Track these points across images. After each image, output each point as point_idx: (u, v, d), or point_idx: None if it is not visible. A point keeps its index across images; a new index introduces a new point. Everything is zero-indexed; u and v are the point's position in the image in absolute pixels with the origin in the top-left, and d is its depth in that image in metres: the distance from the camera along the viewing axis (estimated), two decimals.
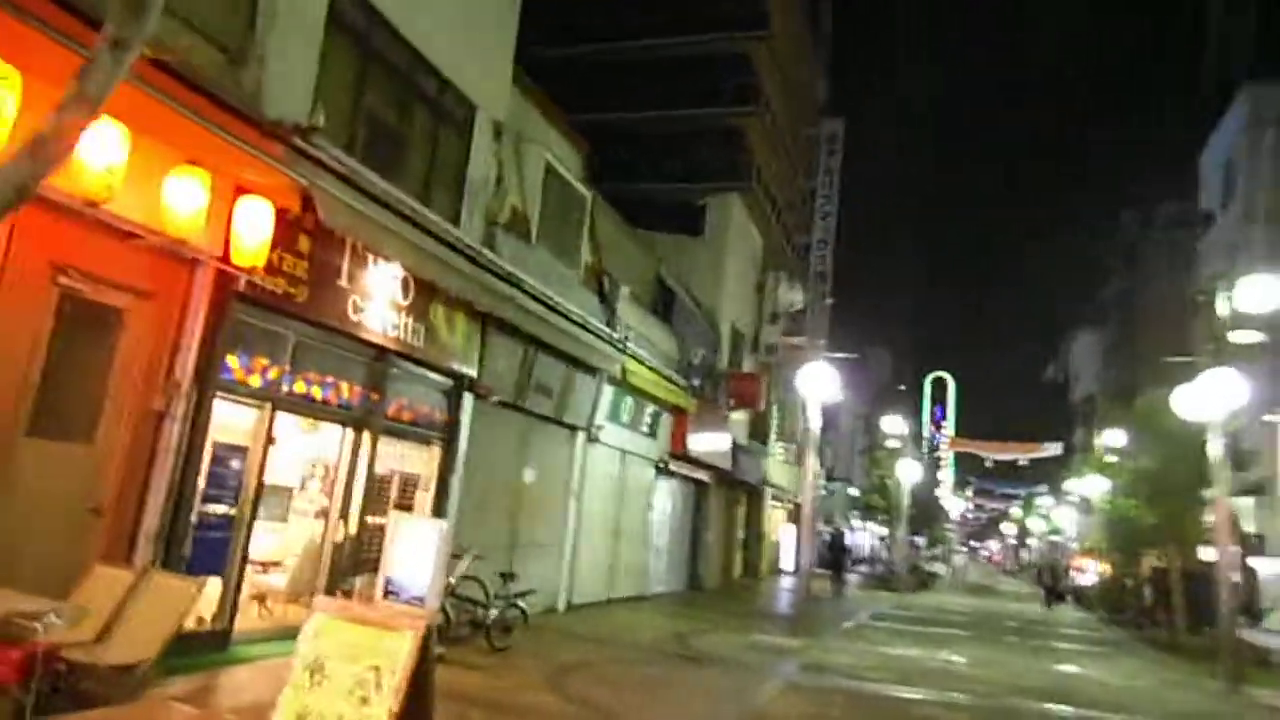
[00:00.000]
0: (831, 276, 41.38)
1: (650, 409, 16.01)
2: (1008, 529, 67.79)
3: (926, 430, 49.91)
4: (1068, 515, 45.05)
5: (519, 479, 11.71)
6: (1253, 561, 26.10)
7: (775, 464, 29.56)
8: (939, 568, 45.51)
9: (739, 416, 23.09)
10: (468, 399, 10.08)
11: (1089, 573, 36.38)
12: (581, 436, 13.38)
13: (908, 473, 27.52)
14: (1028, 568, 64.33)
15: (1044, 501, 57.21)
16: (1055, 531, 53.33)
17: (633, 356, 14.07)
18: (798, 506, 35.02)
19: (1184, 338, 39.47)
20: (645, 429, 16.05)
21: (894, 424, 32.44)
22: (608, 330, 13.12)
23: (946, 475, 51.09)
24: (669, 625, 13.14)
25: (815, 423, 13.92)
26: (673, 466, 17.52)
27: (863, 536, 50.65)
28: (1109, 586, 25.24)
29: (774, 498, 29.75)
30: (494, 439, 10.99)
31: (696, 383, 17.54)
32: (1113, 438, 27.04)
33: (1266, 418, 18.14)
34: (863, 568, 34.61)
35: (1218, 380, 11.91)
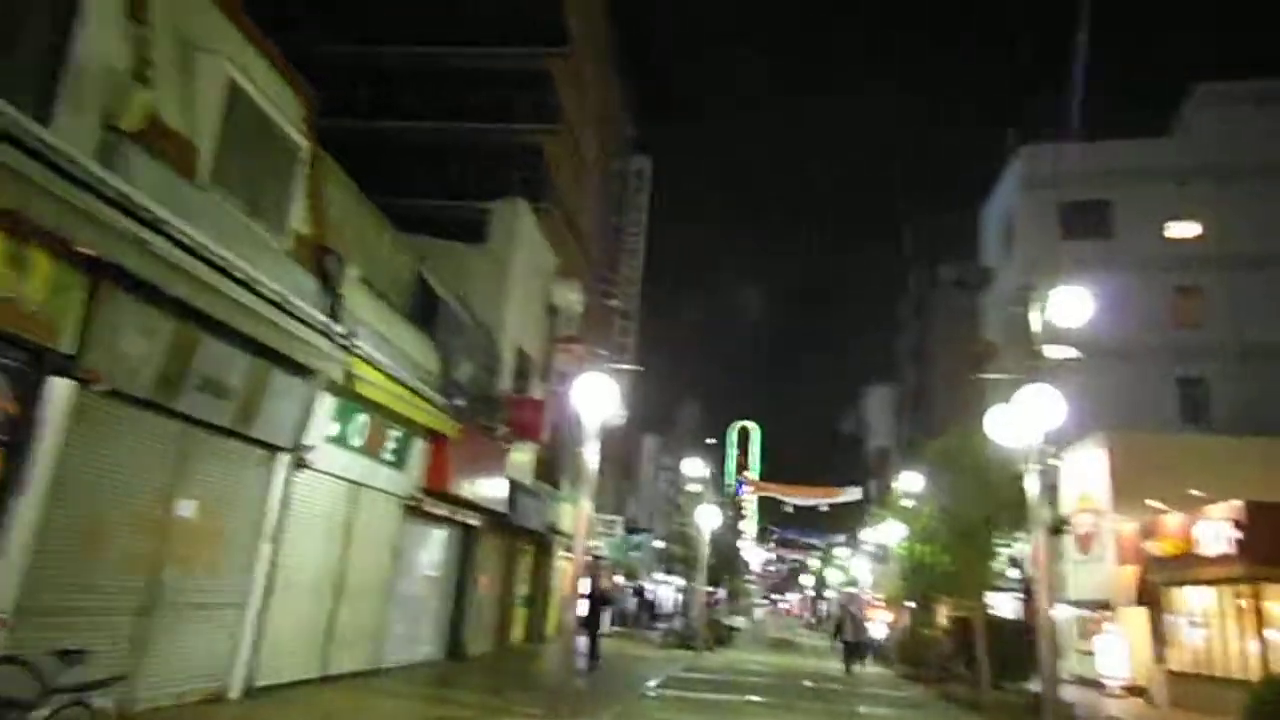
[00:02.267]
0: (638, 315, 39.95)
1: (396, 432, 12.93)
2: (807, 580, 68.52)
3: (731, 478, 49.15)
4: (864, 565, 45.34)
5: (168, 512, 8.31)
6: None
7: (568, 510, 26.88)
8: (739, 621, 44.30)
9: (523, 456, 20.32)
10: (57, 386, 6.73)
11: (881, 624, 36.18)
12: (285, 460, 10.12)
13: (708, 518, 25.72)
14: (826, 620, 65.01)
15: (842, 552, 58.02)
16: (852, 583, 53.94)
17: (364, 359, 11.04)
18: (596, 559, 32.48)
19: (970, 391, 40.88)
20: (389, 457, 12.93)
21: (694, 466, 30.74)
22: (324, 320, 10.05)
23: (750, 525, 50.44)
24: (389, 713, 9.97)
25: (593, 446, 11.43)
26: (429, 506, 14.41)
27: (666, 591, 48.81)
28: (906, 639, 24.35)
29: (566, 549, 26.98)
30: (119, 452, 7.62)
31: (460, 403, 14.63)
32: (909, 480, 26.56)
33: (1051, 461, 17.63)
34: (660, 624, 32.41)
35: (1035, 396, 10.55)
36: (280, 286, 9.10)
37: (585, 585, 12.90)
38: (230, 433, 9.07)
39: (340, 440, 11.39)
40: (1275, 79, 29.59)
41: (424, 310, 14.78)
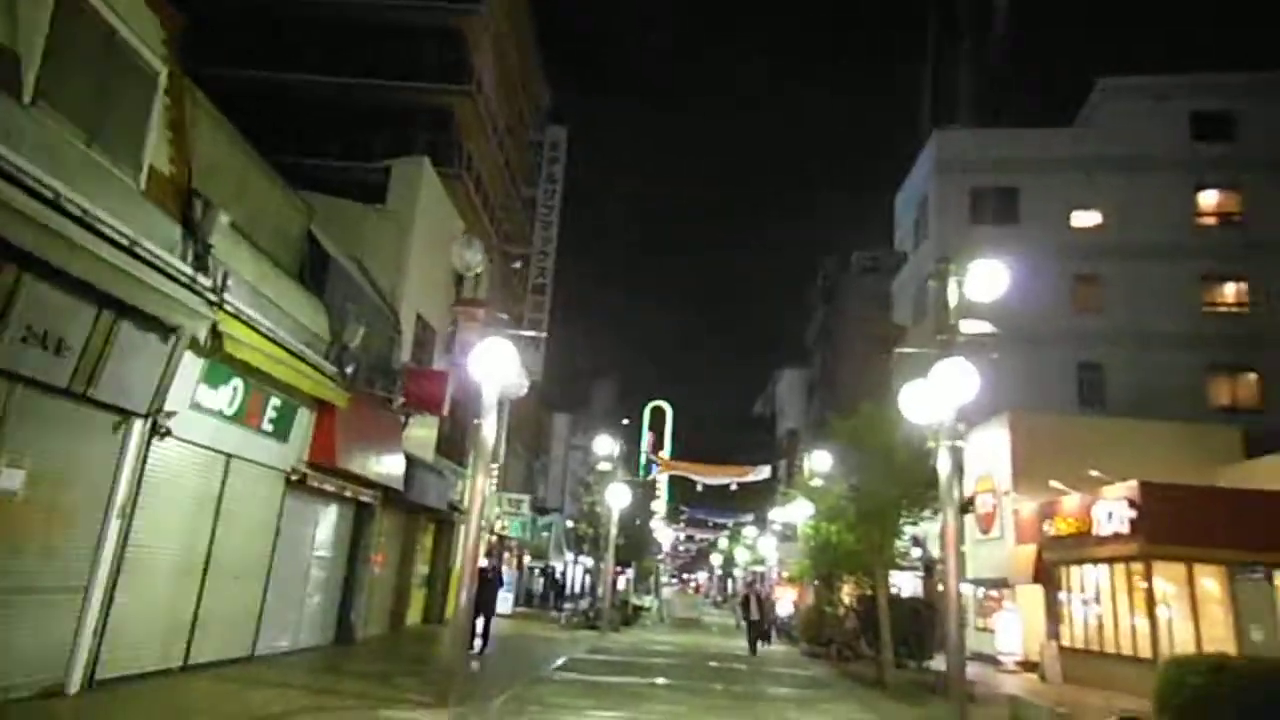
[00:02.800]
0: (551, 291, 39.03)
1: (277, 400, 11.85)
2: (716, 559, 69.05)
3: (644, 458, 48.83)
4: (770, 544, 45.74)
5: None
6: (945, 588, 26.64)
7: None
8: (648, 600, 44.13)
9: (424, 431, 19.33)
10: None
11: (787, 602, 36.46)
12: (139, 427, 9.01)
13: (617, 497, 25.19)
14: (732, 598, 65.66)
15: (750, 531, 58.53)
16: (759, 561, 54.48)
17: (236, 317, 9.96)
18: (501, 538, 31.63)
19: (878, 374, 41.46)
20: (268, 427, 11.84)
21: (604, 444, 30.15)
22: (187, 270, 8.95)
23: (660, 505, 50.27)
24: (255, 704, 9.04)
25: (491, 417, 10.64)
26: (315, 481, 13.36)
27: (576, 571, 48.25)
28: (811, 617, 24.39)
29: None
30: None
31: (351, 371, 13.60)
32: (819, 460, 26.58)
33: (959, 439, 17.67)
34: (566, 605, 31.83)
35: (949, 370, 10.26)
36: (129, 229, 7.99)
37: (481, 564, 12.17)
38: (69, 394, 7.94)
39: (209, 407, 10.29)
40: (1175, 74, 30.61)
41: (314, 271, 13.66)
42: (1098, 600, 19.49)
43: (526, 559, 38.65)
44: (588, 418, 50.10)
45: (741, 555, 58.37)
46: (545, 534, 39.79)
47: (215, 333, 9.52)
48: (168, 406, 9.28)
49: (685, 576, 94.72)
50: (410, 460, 17.39)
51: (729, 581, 76.29)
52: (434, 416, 17.87)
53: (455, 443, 23.41)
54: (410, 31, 27.41)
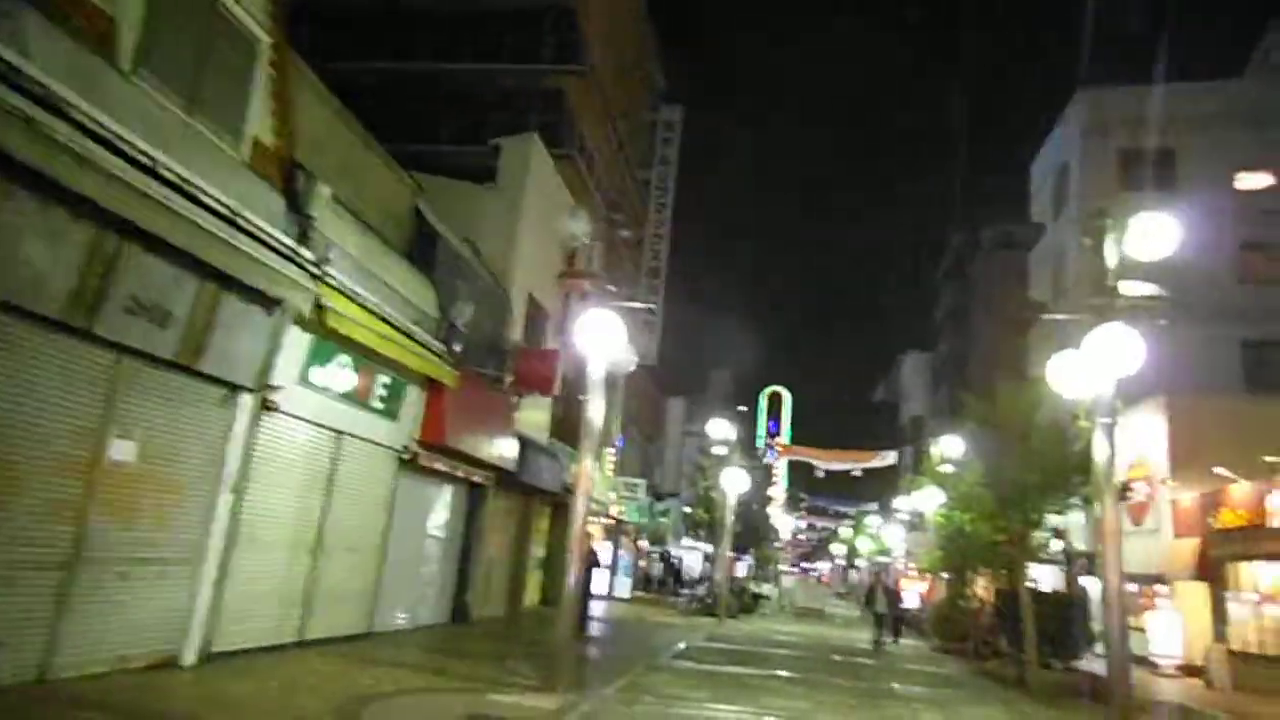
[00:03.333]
0: (666, 273, 38.54)
1: (385, 377, 11.77)
2: (837, 549, 67.22)
3: (761, 443, 47.80)
4: (896, 534, 43.91)
5: (97, 454, 7.21)
6: (1085, 582, 24.63)
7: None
8: (767, 589, 43.19)
9: (538, 415, 19.16)
10: None
11: (914, 595, 34.77)
12: (248, 401, 8.98)
13: (733, 482, 24.47)
14: (856, 590, 63.75)
15: (873, 520, 56.59)
16: (883, 551, 52.55)
17: (339, 290, 9.84)
18: (618, 522, 31.46)
19: (1013, 356, 39.01)
20: (378, 404, 11.78)
21: (720, 428, 29.42)
22: (287, 241, 8.84)
23: (779, 491, 49.14)
24: (364, 683, 8.88)
25: (597, 394, 10.18)
26: (427, 461, 13.28)
27: (694, 557, 47.82)
28: (943, 612, 22.99)
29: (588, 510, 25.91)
30: (28, 381, 6.50)
31: (458, 348, 13.43)
32: (949, 445, 25.04)
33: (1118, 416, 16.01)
34: (684, 590, 31.38)
35: (1107, 338, 9.06)
36: (230, 198, 7.89)
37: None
38: (175, 366, 7.92)
39: (317, 383, 10.24)
40: None
41: (422, 249, 13.55)
42: (1276, 600, 17.40)
43: (643, 544, 38.44)
44: (704, 404, 49.44)
45: (864, 545, 56.50)
46: (663, 519, 39.48)
47: (319, 306, 9.40)
48: (275, 381, 9.22)
49: (805, 566, 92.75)
50: (523, 441, 17.23)
51: (851, 572, 74.24)
52: (545, 397, 17.62)
53: (570, 425, 23.16)
54: (521, 14, 27.32)
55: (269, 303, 8.80)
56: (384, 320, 10.95)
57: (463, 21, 27.52)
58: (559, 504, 22.64)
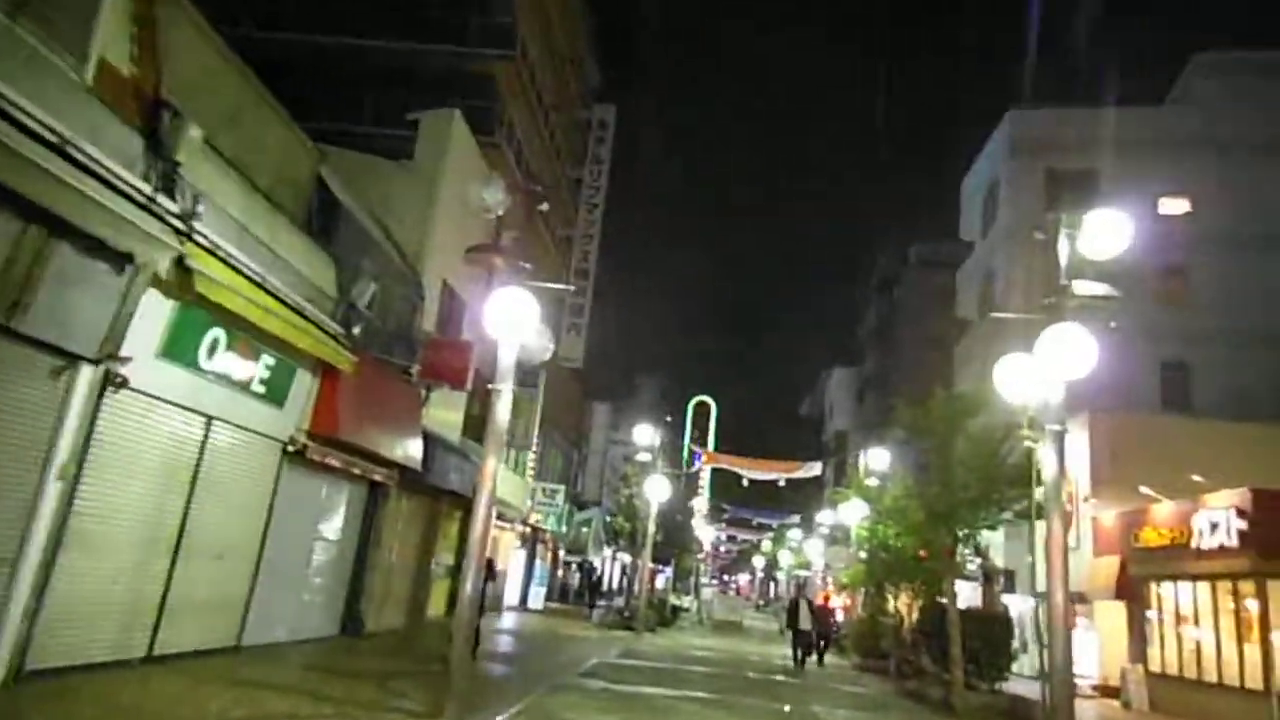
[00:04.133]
0: (594, 275, 37.51)
1: (269, 358, 10.44)
2: (759, 562, 66.97)
3: (686, 450, 47.06)
4: (817, 548, 43.68)
5: None
6: (1009, 599, 24.45)
7: (504, 476, 24.53)
8: (687, 601, 42.40)
9: (449, 413, 17.89)
10: None
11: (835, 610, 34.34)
12: (88, 374, 7.60)
13: (657, 490, 23.56)
14: (774, 603, 63.52)
15: (795, 534, 56.44)
16: (804, 565, 52.36)
17: (209, 250, 8.52)
18: (534, 530, 30.20)
19: (937, 373, 39.18)
20: (259, 389, 10.44)
21: (645, 433, 28.49)
22: (140, 184, 7.52)
23: (702, 502, 48.45)
24: (214, 706, 7.57)
25: (508, 382, 9.09)
26: (316, 454, 11.93)
27: (614, 568, 46.73)
28: (864, 628, 22.46)
29: (500, 516, 24.65)
30: None
31: (356, 330, 12.14)
32: (876, 458, 24.64)
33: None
34: (602, 602, 30.29)
35: (1060, 338, 8.41)
36: (62, 125, 6.57)
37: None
38: None
39: (182, 357, 8.88)
40: (1277, 49, 27.96)
41: (321, 220, 12.24)
42: (1195, 621, 17.29)
43: (561, 553, 37.23)
44: (630, 411, 48.53)
45: (785, 558, 56.31)
46: (584, 529, 38.31)
47: (183, 268, 8.08)
48: (126, 353, 7.86)
49: (725, 578, 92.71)
50: (431, 439, 15.97)
51: (771, 585, 74.16)
52: (457, 391, 16.38)
53: (484, 425, 21.98)
54: None
55: (117, 258, 7.46)
56: (267, 292, 9.64)
57: None
58: (470, 508, 21.33)
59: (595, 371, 41.51)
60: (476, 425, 20.96)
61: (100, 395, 7.79)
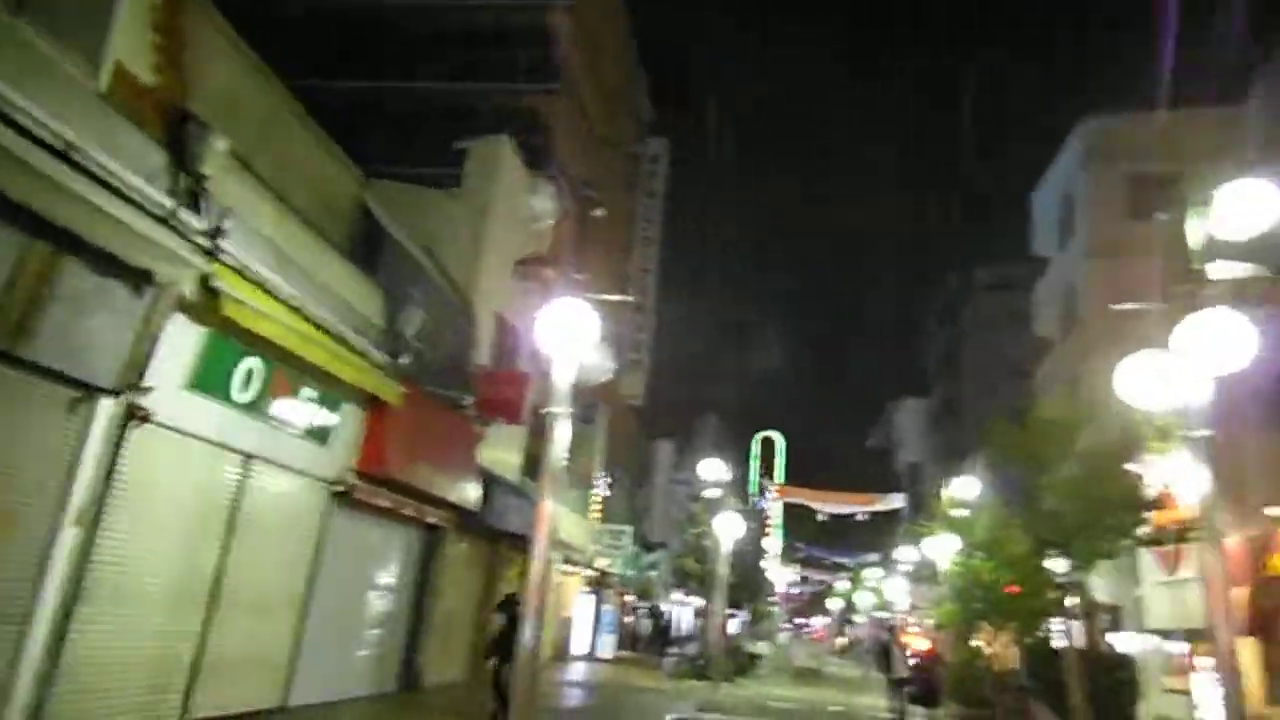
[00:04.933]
0: (653, 310, 36.75)
1: (311, 390, 9.73)
2: (834, 604, 64.43)
3: (754, 488, 45.48)
4: (899, 586, 41.51)
5: None
6: (1114, 638, 22.39)
7: (567, 517, 23.56)
8: (762, 647, 40.54)
9: (506, 454, 17.04)
10: None
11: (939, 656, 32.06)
12: (108, 407, 6.92)
13: (728, 528, 22.31)
14: (854, 647, 60.80)
15: (872, 573, 54.07)
16: (883, 606, 49.95)
17: (238, 271, 7.85)
18: (602, 574, 29.04)
19: (1007, 398, 37.15)
20: (300, 424, 9.72)
21: (713, 468, 27.25)
22: (158, 197, 6.88)
23: (773, 543, 46.68)
24: None
25: (564, 407, 8.16)
26: (365, 495, 11.14)
27: (684, 612, 45.15)
28: (960, 673, 20.67)
29: (565, 560, 23.64)
30: None
31: (404, 360, 11.40)
32: (962, 487, 22.99)
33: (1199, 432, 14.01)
34: (673, 650, 28.86)
35: (1207, 326, 7.15)
36: (69, 131, 5.94)
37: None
38: None
39: (214, 390, 8.19)
40: None
41: (366, 248, 11.64)
42: None
43: (629, 598, 35.92)
44: (692, 450, 47.29)
45: (864, 599, 53.89)
46: (652, 573, 36.99)
47: (209, 290, 7.41)
48: (150, 384, 7.17)
49: (798, 621, 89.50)
50: (489, 478, 15.12)
51: (847, 628, 71.23)
52: (513, 426, 15.52)
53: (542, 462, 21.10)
54: (499, 33, 25.91)
55: (136, 278, 6.81)
56: (305, 318, 8.94)
57: (437, 39, 26.08)
58: (530, 552, 20.39)
59: (656, 409, 40.55)
60: (535, 464, 20.10)
61: (122, 431, 7.09)
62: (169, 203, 6.92)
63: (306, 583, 10.37)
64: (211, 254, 7.37)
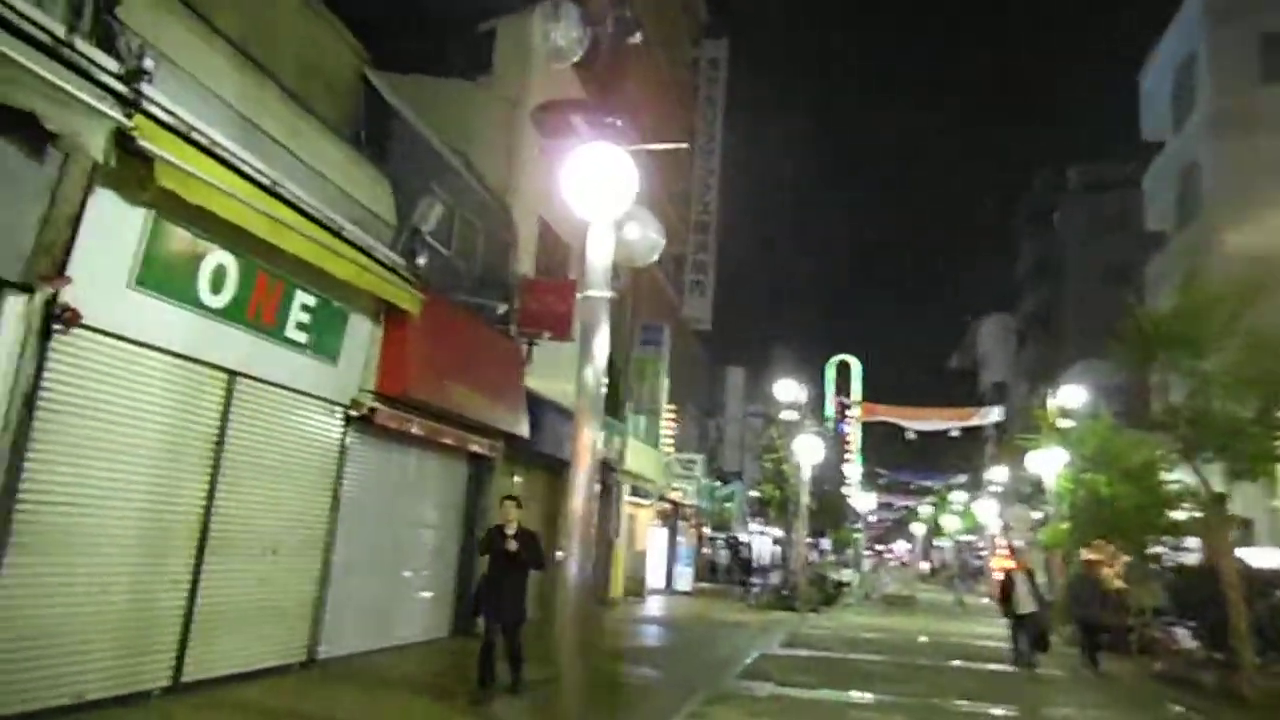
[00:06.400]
0: (717, 229, 34.50)
1: (307, 296, 8.15)
2: (918, 529, 62.24)
3: (830, 414, 43.36)
4: (990, 509, 39.24)
5: None
6: (1242, 554, 19.99)
7: (635, 446, 22.03)
8: (847, 574, 38.93)
9: (556, 373, 15.38)
10: None
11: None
12: (16, 305, 5.41)
13: (808, 451, 20.47)
14: (941, 571, 58.76)
15: (957, 496, 51.71)
16: (973, 529, 47.71)
17: (172, 129, 6.17)
18: (675, 505, 27.62)
19: (1108, 309, 33.89)
20: (298, 336, 8.18)
21: (788, 390, 25.29)
22: (50, 24, 5.21)
23: (853, 469, 44.66)
24: None
25: (598, 285, 6.36)
26: (389, 420, 9.62)
27: (763, 543, 43.77)
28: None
29: (635, 492, 22.20)
30: None
31: (422, 262, 9.72)
32: (1070, 395, 20.63)
33: None
34: (755, 581, 27.40)
35: None
36: None
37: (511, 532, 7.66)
38: None
39: (171, 289, 6.63)
40: None
41: (372, 131, 9.91)
42: None
43: (706, 530, 34.58)
44: (765, 377, 45.24)
45: (950, 523, 51.63)
46: (728, 504, 35.50)
47: (133, 153, 5.76)
48: (72, 273, 5.63)
49: (879, 548, 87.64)
50: (540, 403, 13.56)
51: (934, 553, 69.14)
52: (562, 342, 13.79)
53: (612, 390, 19.50)
54: None
55: (30, 137, 5.20)
56: (283, 201, 7.27)
57: None
58: (599, 485, 18.95)
59: (726, 335, 38.53)
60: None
61: (44, 336, 5.58)
62: (60, 29, 5.24)
63: (327, 521, 8.96)
64: (129, 103, 5.70)
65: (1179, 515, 16.06)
